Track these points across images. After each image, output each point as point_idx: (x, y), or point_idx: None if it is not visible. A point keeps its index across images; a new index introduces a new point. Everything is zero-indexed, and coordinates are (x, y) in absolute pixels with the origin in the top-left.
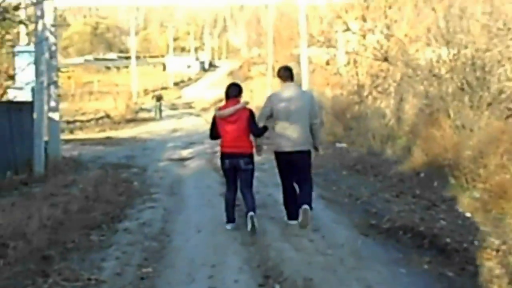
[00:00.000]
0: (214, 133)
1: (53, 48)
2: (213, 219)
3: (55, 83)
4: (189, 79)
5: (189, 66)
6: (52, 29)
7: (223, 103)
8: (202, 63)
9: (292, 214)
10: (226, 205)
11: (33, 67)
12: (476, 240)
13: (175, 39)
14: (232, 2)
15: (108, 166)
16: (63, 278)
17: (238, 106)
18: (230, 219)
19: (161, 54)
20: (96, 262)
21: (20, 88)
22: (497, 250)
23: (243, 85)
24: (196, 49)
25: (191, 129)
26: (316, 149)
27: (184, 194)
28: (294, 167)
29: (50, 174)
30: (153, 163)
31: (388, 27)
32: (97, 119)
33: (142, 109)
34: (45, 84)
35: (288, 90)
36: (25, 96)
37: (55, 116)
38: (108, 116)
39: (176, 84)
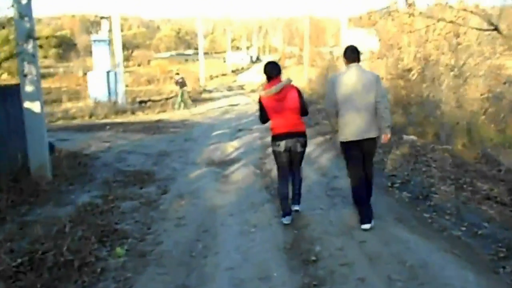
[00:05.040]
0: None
1: (24, 1)
2: None
3: (29, 56)
4: (242, 68)
5: (242, 59)
6: None
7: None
8: (251, 57)
9: (363, 216)
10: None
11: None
12: None
13: (232, 40)
14: (272, 15)
15: (120, 177)
16: None
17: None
18: None
19: (223, 50)
20: None
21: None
22: None
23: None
24: (247, 47)
25: (242, 110)
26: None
27: None
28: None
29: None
30: (186, 170)
31: None
32: (167, 99)
33: (205, 90)
34: None
35: (350, 72)
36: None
37: (35, 106)
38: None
39: (233, 71)
